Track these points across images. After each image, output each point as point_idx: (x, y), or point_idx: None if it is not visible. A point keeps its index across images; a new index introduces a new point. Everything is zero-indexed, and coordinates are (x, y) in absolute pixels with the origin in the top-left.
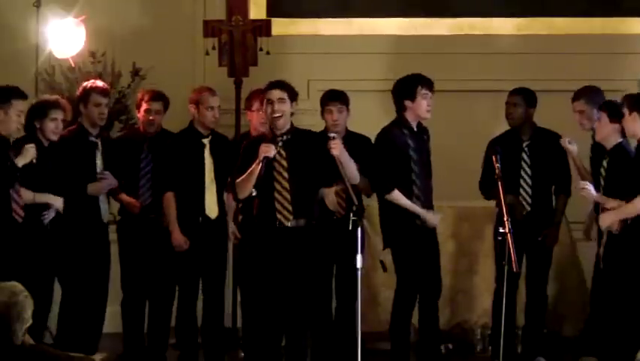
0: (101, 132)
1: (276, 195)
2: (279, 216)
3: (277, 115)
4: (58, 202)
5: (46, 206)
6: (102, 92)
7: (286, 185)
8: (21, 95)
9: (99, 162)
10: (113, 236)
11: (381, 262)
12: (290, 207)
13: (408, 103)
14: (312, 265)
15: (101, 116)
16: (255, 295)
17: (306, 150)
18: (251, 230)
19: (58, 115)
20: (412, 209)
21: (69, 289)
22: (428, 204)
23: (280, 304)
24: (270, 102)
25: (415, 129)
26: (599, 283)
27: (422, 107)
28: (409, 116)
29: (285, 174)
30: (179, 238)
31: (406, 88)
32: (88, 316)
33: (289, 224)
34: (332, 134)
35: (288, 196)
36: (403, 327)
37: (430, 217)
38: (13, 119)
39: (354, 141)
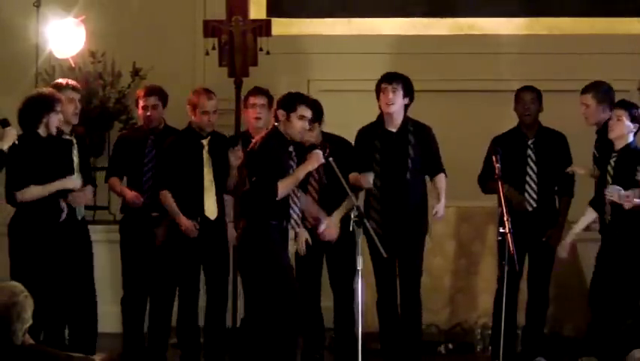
0: (75, 129)
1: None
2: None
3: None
4: (74, 182)
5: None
6: (73, 88)
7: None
8: None
9: (75, 159)
10: (116, 236)
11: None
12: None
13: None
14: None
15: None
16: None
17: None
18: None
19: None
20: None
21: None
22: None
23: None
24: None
25: (396, 129)
26: (597, 284)
27: (382, 101)
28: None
29: None
30: (187, 223)
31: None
32: (58, 317)
33: None
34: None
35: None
36: (387, 328)
37: (361, 178)
38: None
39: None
